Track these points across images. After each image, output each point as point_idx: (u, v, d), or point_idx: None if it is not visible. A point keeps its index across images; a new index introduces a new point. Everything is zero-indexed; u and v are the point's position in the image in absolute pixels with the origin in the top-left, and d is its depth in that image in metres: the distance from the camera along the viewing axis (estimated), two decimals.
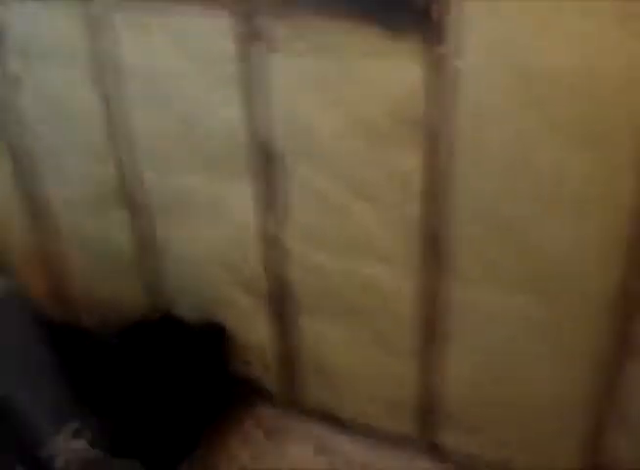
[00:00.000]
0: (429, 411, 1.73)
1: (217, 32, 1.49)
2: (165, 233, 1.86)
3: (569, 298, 1.42)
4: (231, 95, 1.55)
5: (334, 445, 1.84)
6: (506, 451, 1.70)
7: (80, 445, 1.58)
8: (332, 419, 1.89)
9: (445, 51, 1.28)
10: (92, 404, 1.62)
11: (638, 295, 1.36)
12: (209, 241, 1.80)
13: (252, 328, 1.88)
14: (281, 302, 1.78)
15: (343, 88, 1.42)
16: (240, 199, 1.68)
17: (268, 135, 1.56)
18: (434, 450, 1.78)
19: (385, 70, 1.35)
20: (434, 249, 1.50)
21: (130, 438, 1.78)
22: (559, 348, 1.49)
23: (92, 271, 2.06)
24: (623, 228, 1.30)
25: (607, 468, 1.60)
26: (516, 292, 1.46)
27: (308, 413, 1.92)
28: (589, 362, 1.48)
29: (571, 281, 1.40)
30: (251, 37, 1.46)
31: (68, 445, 1.56)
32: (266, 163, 1.59)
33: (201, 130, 1.64)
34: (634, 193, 1.26)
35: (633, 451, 1.56)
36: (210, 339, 1.89)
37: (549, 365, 1.53)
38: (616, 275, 1.35)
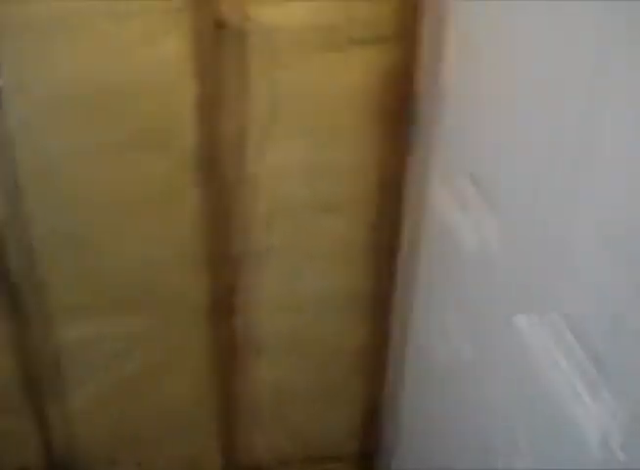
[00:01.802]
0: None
1: None
2: None
3: (168, 309, 1.43)
4: None
5: None
6: None
7: None
8: None
9: None
10: None
11: (226, 298, 1.42)
12: None
13: None
14: None
15: None
16: None
17: None
18: None
19: None
20: (11, 294, 1.36)
21: None
22: (173, 357, 1.49)
23: None
24: (198, 231, 1.34)
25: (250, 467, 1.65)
26: (118, 314, 1.42)
27: None
28: (205, 367, 1.51)
29: (166, 292, 1.41)
30: None
31: None
32: None
33: None
34: (196, 191, 1.30)
35: (270, 446, 1.63)
36: None
37: (172, 379, 1.52)
38: (203, 279, 1.39)
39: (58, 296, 1.39)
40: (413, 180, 1.30)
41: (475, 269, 1.06)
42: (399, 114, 1.27)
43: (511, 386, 0.94)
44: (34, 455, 1.59)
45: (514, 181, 0.94)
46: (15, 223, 1.30)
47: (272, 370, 1.51)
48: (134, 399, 1.54)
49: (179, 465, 1.66)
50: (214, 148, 1.26)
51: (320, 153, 1.30)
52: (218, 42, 1.18)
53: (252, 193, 1.32)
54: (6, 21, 1.12)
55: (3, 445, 1.57)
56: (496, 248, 0.99)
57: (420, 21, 1.18)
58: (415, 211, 1.31)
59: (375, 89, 1.25)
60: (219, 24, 1.16)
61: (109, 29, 1.15)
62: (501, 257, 0.98)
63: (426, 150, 1.25)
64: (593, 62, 0.71)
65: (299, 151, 1.29)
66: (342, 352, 1.51)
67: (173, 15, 1.14)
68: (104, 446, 1.61)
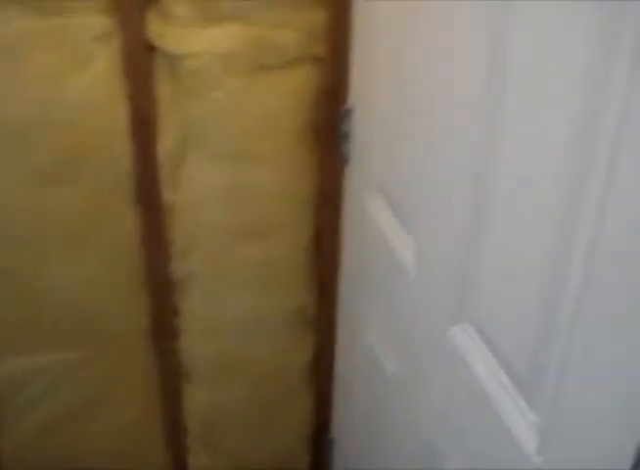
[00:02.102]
0: None
1: None
2: None
3: (106, 341, 1.41)
4: None
5: None
6: None
7: None
8: None
9: None
10: None
11: (169, 325, 1.40)
12: None
13: None
14: None
15: None
16: None
17: None
18: None
19: None
20: None
21: None
22: (111, 386, 1.46)
23: None
24: (132, 257, 1.32)
25: None
26: (52, 350, 1.39)
27: None
28: (144, 393, 1.48)
29: (104, 323, 1.38)
30: None
31: None
32: None
33: None
34: (127, 220, 1.29)
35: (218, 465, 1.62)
36: None
37: (111, 408, 1.49)
38: (137, 306, 1.37)
39: None
40: (349, 197, 1.31)
41: (402, 283, 1.08)
42: (330, 132, 1.27)
43: (445, 396, 0.95)
44: None
45: (424, 197, 0.96)
46: None
47: (209, 394, 1.50)
48: (75, 429, 1.50)
49: None
50: (147, 171, 1.26)
51: (246, 177, 1.29)
52: (148, 65, 1.18)
53: (180, 217, 1.31)
54: None
55: None
56: (412, 263, 1.01)
57: (347, 40, 1.20)
58: (352, 227, 1.32)
59: (302, 109, 1.25)
60: (149, 48, 1.17)
61: (36, 57, 1.14)
62: (417, 273, 1.00)
63: (359, 166, 1.26)
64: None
65: (223, 176, 1.28)
66: (280, 372, 1.51)
67: (101, 39, 1.14)
68: None
